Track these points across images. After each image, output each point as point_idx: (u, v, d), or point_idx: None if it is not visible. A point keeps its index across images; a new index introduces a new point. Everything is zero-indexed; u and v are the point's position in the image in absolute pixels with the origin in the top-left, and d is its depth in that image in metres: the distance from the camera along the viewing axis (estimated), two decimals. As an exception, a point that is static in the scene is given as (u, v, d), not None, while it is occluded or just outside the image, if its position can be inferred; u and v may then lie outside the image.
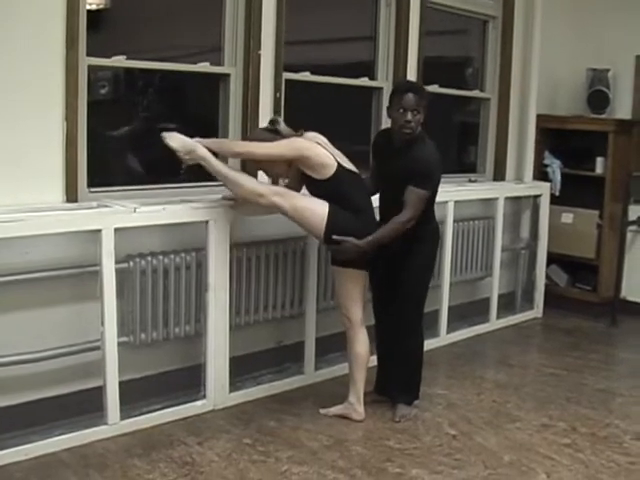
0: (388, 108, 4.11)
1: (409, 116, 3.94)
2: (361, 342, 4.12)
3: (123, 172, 4.40)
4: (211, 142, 3.94)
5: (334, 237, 3.88)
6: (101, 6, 4.23)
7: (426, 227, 4.16)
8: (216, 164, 3.90)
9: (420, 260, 4.16)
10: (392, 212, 3.96)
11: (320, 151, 3.90)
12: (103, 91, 4.22)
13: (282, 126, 4.02)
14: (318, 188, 3.94)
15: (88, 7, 3.88)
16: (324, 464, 3.63)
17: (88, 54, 3.82)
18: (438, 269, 5.27)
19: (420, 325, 4.24)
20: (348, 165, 3.99)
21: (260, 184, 3.99)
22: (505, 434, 4.04)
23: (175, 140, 3.85)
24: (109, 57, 4.00)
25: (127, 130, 4.42)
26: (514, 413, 4.32)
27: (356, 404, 4.16)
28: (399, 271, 4.15)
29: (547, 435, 4.04)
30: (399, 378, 4.28)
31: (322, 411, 4.19)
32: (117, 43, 4.23)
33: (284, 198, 3.91)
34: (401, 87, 4.10)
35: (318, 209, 3.91)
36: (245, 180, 3.94)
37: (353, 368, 4.16)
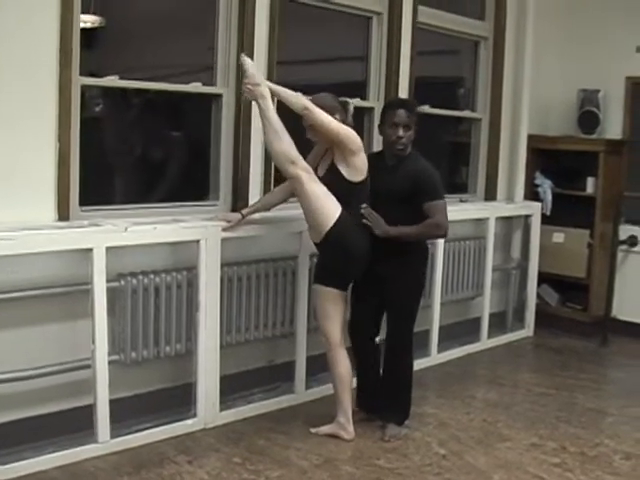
0: (380, 125, 4.17)
1: (401, 132, 4.02)
2: (342, 363, 4.13)
3: (115, 191, 4.41)
4: (276, 87, 3.93)
5: (364, 207, 3.96)
6: (96, 24, 4.27)
7: (417, 247, 4.20)
8: (272, 109, 3.88)
9: (411, 280, 4.19)
10: (393, 220, 4.01)
11: (364, 155, 3.99)
12: (97, 109, 4.26)
13: (350, 110, 4.13)
14: (341, 187, 3.93)
15: (83, 25, 3.92)
16: (313, 483, 3.64)
17: (81, 73, 3.85)
18: (429, 289, 5.31)
19: (411, 344, 4.25)
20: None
21: (296, 152, 3.92)
22: (495, 453, 4.05)
23: (252, 65, 3.88)
24: (102, 76, 4.03)
25: (119, 149, 4.45)
26: (504, 432, 4.33)
27: (345, 423, 4.17)
28: (391, 291, 4.17)
29: (537, 454, 4.05)
30: (390, 398, 4.28)
31: (313, 430, 4.19)
32: (111, 62, 4.28)
33: (309, 177, 3.90)
34: (393, 103, 4.19)
35: (332, 207, 3.92)
36: (287, 139, 3.89)
37: (338, 389, 4.17)
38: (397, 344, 4.20)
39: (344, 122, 4.00)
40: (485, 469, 3.85)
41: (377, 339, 4.38)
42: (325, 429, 4.19)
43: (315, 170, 4.03)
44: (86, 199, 4.00)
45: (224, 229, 4.13)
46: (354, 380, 4.30)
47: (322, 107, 3.92)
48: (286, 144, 3.88)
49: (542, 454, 4.05)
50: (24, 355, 3.67)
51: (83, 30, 3.93)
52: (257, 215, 4.29)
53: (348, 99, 4.20)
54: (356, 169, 3.97)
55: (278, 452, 3.95)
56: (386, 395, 4.28)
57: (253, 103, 4.00)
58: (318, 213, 3.93)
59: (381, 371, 4.34)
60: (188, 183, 4.66)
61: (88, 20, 4.25)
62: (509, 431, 4.34)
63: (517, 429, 4.38)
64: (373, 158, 4.23)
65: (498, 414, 4.60)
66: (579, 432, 4.37)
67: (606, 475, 3.84)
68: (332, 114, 3.95)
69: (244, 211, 4.24)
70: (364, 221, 3.97)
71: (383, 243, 4.03)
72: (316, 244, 4.07)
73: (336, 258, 4.02)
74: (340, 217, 3.92)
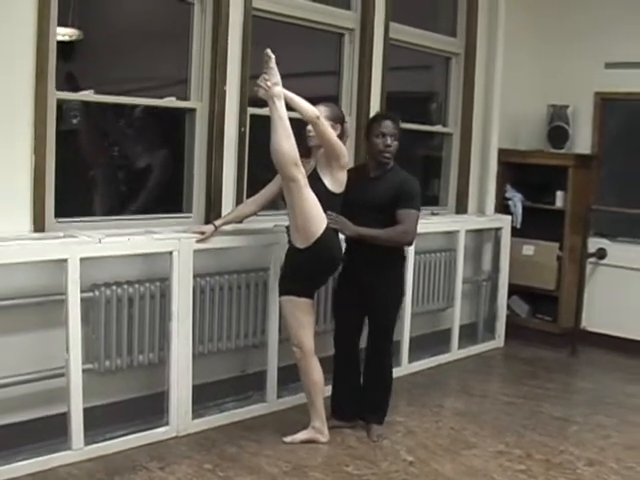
0: (366, 137, 4.37)
1: (389, 140, 4.21)
2: (316, 370, 4.23)
3: (91, 203, 4.48)
4: (289, 93, 3.97)
5: (329, 213, 4.05)
6: (73, 37, 4.34)
7: (397, 255, 4.39)
8: (284, 110, 3.92)
9: (392, 287, 4.36)
10: (361, 240, 4.14)
11: (346, 172, 4.17)
12: (73, 121, 4.33)
13: (347, 126, 4.33)
14: (321, 195, 4.03)
15: (61, 38, 4.00)
16: (282, 489, 3.72)
17: (58, 86, 3.93)
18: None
19: (391, 349, 4.44)
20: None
21: (296, 153, 3.99)
22: (461, 460, 4.14)
23: (274, 62, 3.91)
24: (80, 89, 4.12)
25: (95, 161, 4.53)
26: (471, 440, 4.42)
27: (321, 427, 4.28)
28: (373, 299, 4.31)
29: (502, 461, 4.15)
30: (373, 400, 4.44)
31: (287, 439, 4.25)
32: (88, 74, 4.36)
33: (305, 182, 3.98)
34: (379, 116, 4.43)
35: (322, 214, 4.04)
36: (293, 141, 3.94)
37: (312, 395, 4.26)
38: (379, 349, 4.36)
39: (340, 135, 4.14)
40: (451, 476, 3.94)
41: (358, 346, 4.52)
42: (300, 436, 4.27)
43: None
44: (62, 211, 4.08)
45: (198, 241, 4.21)
46: (329, 388, 4.43)
47: (326, 117, 4.06)
48: (293, 146, 3.95)
49: (508, 461, 4.15)
50: (-1, 363, 3.74)
51: (61, 43, 4.02)
52: (229, 227, 4.38)
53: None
54: (338, 182, 4.13)
55: (248, 459, 4.02)
56: (370, 397, 4.44)
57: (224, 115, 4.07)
58: (310, 218, 4.01)
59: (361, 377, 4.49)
60: (162, 195, 4.73)
61: (66, 33, 4.34)
62: (476, 439, 4.44)
63: (484, 437, 4.47)
64: (355, 171, 4.40)
65: (466, 422, 4.69)
66: (545, 440, 4.47)
67: (569, 481, 3.96)
68: (334, 125, 4.10)
69: (217, 222, 4.32)
70: (331, 224, 4.06)
71: (363, 253, 4.21)
72: (297, 250, 4.09)
73: (318, 265, 4.12)
74: (327, 225, 4.05)
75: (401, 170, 4.35)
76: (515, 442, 4.41)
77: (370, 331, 4.40)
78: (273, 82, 3.90)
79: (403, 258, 4.48)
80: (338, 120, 4.14)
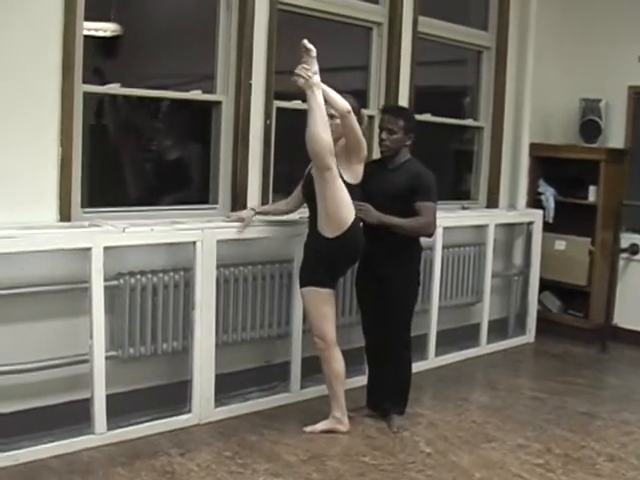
0: None
1: (384, 135, 4.29)
2: (338, 360, 4.27)
3: (118, 194, 4.57)
4: (324, 85, 3.99)
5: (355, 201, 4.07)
6: (111, 33, 4.44)
7: (414, 247, 4.43)
8: (321, 98, 3.95)
9: (407, 278, 4.39)
10: (377, 228, 4.17)
11: (363, 165, 4.22)
12: (100, 116, 4.44)
13: (364, 118, 4.38)
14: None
15: (102, 34, 4.17)
16: (298, 477, 3.77)
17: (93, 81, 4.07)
18: (427, 293, 5.44)
19: (409, 340, 4.45)
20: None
21: (332, 142, 4.01)
22: (479, 453, 4.15)
23: (315, 53, 3.94)
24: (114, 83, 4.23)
25: (125, 153, 4.62)
26: (491, 434, 4.43)
27: (342, 417, 4.33)
28: (389, 289, 4.34)
29: (521, 455, 4.15)
30: (392, 391, 4.48)
31: (307, 429, 4.31)
32: (122, 70, 4.45)
33: (337, 172, 4.02)
34: (382, 108, 4.55)
35: (351, 205, 4.09)
36: (329, 130, 3.97)
37: (334, 385, 4.31)
38: (396, 340, 4.38)
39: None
40: (468, 468, 3.96)
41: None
42: (321, 426, 4.32)
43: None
44: (91, 202, 4.19)
45: (239, 230, 4.33)
46: (350, 380, 4.50)
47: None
48: (330, 135, 3.99)
49: (526, 455, 4.15)
50: (25, 349, 3.85)
51: (102, 38, 4.21)
52: (254, 218, 4.44)
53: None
54: (355, 174, 4.17)
55: (268, 447, 4.08)
56: (389, 389, 4.49)
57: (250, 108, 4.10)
58: (343, 207, 4.06)
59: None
60: (189, 187, 4.82)
61: (106, 28, 4.44)
62: (496, 432, 4.44)
63: (505, 431, 4.47)
64: (373, 163, 4.49)
65: (488, 416, 4.69)
66: (566, 434, 4.45)
67: (588, 476, 3.93)
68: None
69: (258, 208, 4.48)
70: (357, 213, 4.10)
71: (381, 244, 4.24)
72: (326, 239, 4.11)
73: (345, 254, 4.18)
74: (355, 219, 4.11)
75: (417, 162, 4.39)
76: (536, 436, 4.40)
77: (386, 323, 4.41)
78: (313, 72, 3.93)
79: (418, 249, 4.49)
80: (354, 111, 4.16)
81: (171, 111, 4.73)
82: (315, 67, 3.94)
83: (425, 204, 4.22)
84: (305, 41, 3.94)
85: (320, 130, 3.94)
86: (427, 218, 4.23)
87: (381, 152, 4.38)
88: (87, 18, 4.03)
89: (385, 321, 4.39)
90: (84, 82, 4.03)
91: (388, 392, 4.50)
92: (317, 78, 3.95)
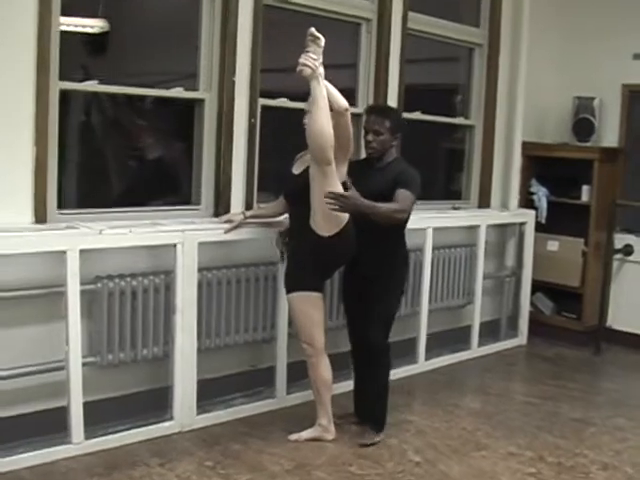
0: None
1: (370, 137, 4.15)
2: (326, 367, 4.15)
3: (97, 194, 4.45)
4: (324, 80, 3.87)
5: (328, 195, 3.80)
6: (98, 30, 4.33)
7: (398, 252, 4.28)
8: (320, 90, 3.81)
9: (391, 285, 4.24)
10: (365, 228, 4.01)
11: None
12: (78, 114, 4.31)
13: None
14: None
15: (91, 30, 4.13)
16: (282, 488, 3.66)
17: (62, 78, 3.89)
18: (417, 296, 5.34)
19: (388, 348, 4.26)
20: None
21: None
22: (469, 462, 4.03)
23: (323, 42, 3.81)
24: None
25: (99, 154, 4.49)
26: (482, 441, 4.31)
27: (328, 425, 4.20)
28: (372, 292, 4.20)
29: (512, 464, 4.03)
30: (368, 403, 4.32)
31: (292, 437, 4.19)
32: (105, 67, 4.34)
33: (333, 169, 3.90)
34: (366, 109, 4.33)
35: None
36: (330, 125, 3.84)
37: (321, 392, 4.18)
38: (373, 346, 4.22)
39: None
40: (457, 478, 3.85)
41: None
42: (306, 434, 4.20)
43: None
44: (68, 203, 4.07)
45: (226, 231, 4.22)
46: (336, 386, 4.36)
47: None
48: (330, 127, 3.83)
49: (518, 464, 4.03)
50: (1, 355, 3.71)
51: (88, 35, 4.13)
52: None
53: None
54: (339, 173, 4.00)
55: (251, 456, 3.96)
56: (367, 402, 4.33)
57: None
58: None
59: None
60: (171, 187, 4.69)
61: (95, 25, 4.32)
62: (487, 440, 4.32)
63: (496, 438, 4.35)
64: (360, 163, 4.36)
65: (479, 423, 4.58)
66: (559, 442, 4.34)
67: (581, 485, 3.83)
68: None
69: (247, 212, 4.36)
70: (330, 206, 3.83)
71: (367, 246, 4.08)
72: (320, 238, 3.96)
73: (338, 253, 4.05)
74: (349, 220, 3.99)
75: (404, 161, 4.28)
76: (528, 444, 4.28)
77: (365, 329, 4.24)
78: (319, 61, 3.79)
79: (406, 256, 4.35)
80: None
81: (153, 109, 4.61)
82: (321, 57, 3.79)
83: (403, 192, 4.01)
84: (313, 29, 3.81)
85: (325, 123, 3.80)
86: (402, 205, 4.00)
87: (368, 154, 4.23)
88: (74, 14, 3.95)
89: (364, 325, 4.23)
90: (66, 79, 3.90)
91: (365, 403, 4.35)
92: (321, 69, 3.80)
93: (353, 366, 4.49)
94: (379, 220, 3.97)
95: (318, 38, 3.80)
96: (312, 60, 3.76)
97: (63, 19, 3.88)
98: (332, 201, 3.79)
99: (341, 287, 4.55)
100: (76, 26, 4.30)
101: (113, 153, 4.58)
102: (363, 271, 4.21)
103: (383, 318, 4.23)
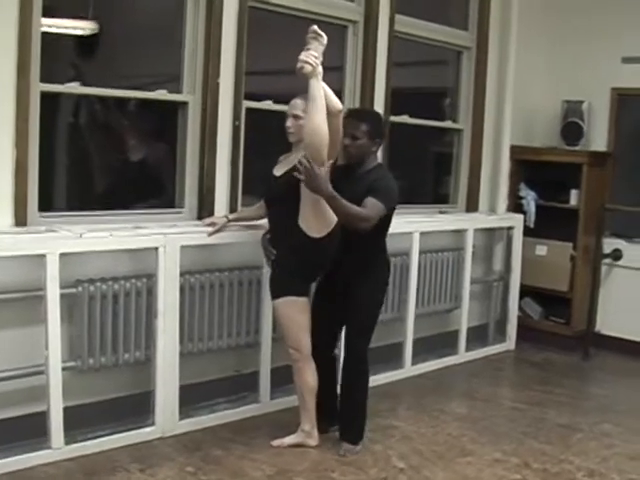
0: None
1: (346, 141, 4.00)
2: (311, 373, 4.09)
3: (79, 197, 4.41)
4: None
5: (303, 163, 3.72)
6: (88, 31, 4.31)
7: (377, 258, 4.18)
8: (319, 88, 3.73)
9: (370, 292, 4.13)
10: (345, 232, 3.95)
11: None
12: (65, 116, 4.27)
13: None
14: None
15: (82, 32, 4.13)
16: (262, 494, 3.61)
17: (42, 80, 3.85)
18: (403, 300, 5.32)
19: (366, 359, 4.16)
20: None
21: None
22: (454, 468, 3.99)
23: (325, 40, 3.78)
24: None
25: (84, 156, 4.45)
26: (468, 447, 4.27)
27: (311, 430, 4.16)
28: (350, 303, 4.12)
29: (497, 470, 3.99)
30: (345, 415, 4.22)
31: (275, 443, 4.14)
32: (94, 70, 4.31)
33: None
34: (345, 113, 4.09)
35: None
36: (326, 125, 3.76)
37: (306, 397, 4.13)
38: (352, 359, 4.14)
39: None
40: (441, 484, 3.82)
41: (335, 352, 4.37)
42: (288, 440, 4.16)
43: None
44: (50, 205, 4.03)
45: (210, 234, 4.19)
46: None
47: (304, 110, 3.91)
48: (326, 126, 3.76)
49: (503, 470, 4.00)
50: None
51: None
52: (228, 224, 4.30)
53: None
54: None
55: (233, 462, 3.92)
56: (342, 412, 4.23)
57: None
58: (315, 207, 3.87)
59: (338, 387, 4.30)
60: (155, 190, 4.65)
61: (84, 26, 4.29)
62: (473, 446, 4.29)
63: (481, 444, 4.32)
64: (342, 168, 4.18)
65: (465, 428, 4.54)
66: (545, 448, 4.30)
67: (566, 492, 3.80)
68: None
69: (230, 216, 4.32)
70: (297, 173, 3.75)
71: (347, 252, 4.00)
72: (309, 240, 3.89)
73: (326, 255, 3.98)
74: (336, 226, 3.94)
75: (384, 169, 4.21)
76: (513, 450, 4.25)
77: (345, 340, 4.20)
78: (320, 61, 3.74)
79: (385, 262, 4.26)
80: None
81: (137, 111, 4.56)
82: (320, 55, 3.75)
83: (373, 200, 3.88)
84: (315, 27, 3.77)
85: (322, 121, 3.73)
86: (368, 212, 3.85)
87: (346, 159, 4.09)
88: (64, 15, 3.96)
89: (344, 339, 4.16)
90: (55, 80, 3.89)
91: (342, 414, 4.23)
92: (320, 67, 3.75)
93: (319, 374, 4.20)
94: (339, 217, 3.86)
95: (320, 35, 3.76)
96: (313, 58, 3.72)
97: (52, 20, 3.87)
98: (302, 169, 3.71)
99: (316, 291, 4.32)
100: (66, 28, 4.29)
101: (98, 155, 4.52)
102: (342, 277, 4.10)
103: (365, 326, 4.14)
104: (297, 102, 3.96)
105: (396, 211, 4.09)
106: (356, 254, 4.05)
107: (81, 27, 4.32)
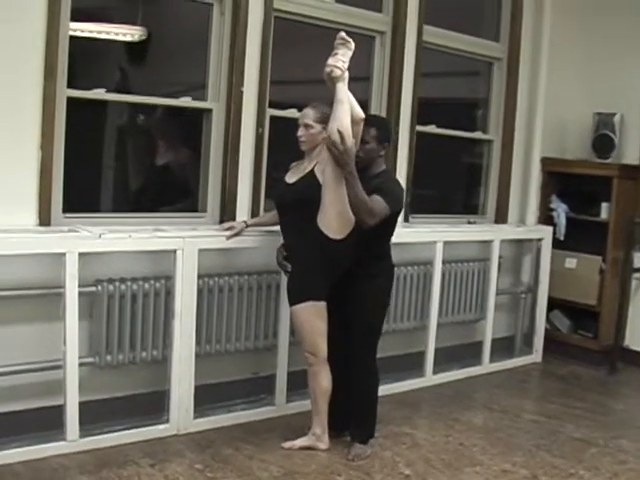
0: None
1: (358, 145, 4.04)
2: (327, 377, 4.15)
3: (105, 199, 4.55)
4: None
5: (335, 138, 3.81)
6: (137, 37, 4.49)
7: (382, 263, 4.24)
8: (346, 92, 3.88)
9: (374, 297, 4.19)
10: (359, 237, 4.01)
11: None
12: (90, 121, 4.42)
13: None
14: (319, 192, 3.96)
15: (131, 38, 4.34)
16: (266, 494, 3.69)
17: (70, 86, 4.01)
18: (426, 309, 5.36)
19: (374, 362, 4.23)
20: None
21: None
22: (460, 477, 4.00)
23: (353, 45, 3.91)
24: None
25: (110, 160, 4.59)
26: (477, 457, 4.27)
27: (322, 434, 4.21)
28: (355, 307, 4.17)
29: (504, 481, 4.01)
30: (355, 416, 4.28)
31: (286, 445, 4.21)
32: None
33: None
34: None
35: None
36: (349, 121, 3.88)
37: (319, 401, 4.19)
38: (359, 364, 4.20)
39: None
40: (445, 493, 3.84)
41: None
42: (300, 442, 4.22)
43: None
44: (74, 206, 4.16)
45: (228, 238, 4.29)
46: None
47: (315, 119, 4.02)
48: (349, 126, 3.87)
49: (510, 482, 4.01)
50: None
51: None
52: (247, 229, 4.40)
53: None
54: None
55: (242, 462, 3.99)
56: (352, 413, 4.29)
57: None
58: (334, 207, 3.94)
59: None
60: (178, 194, 4.77)
61: (133, 32, 4.46)
62: (483, 456, 4.29)
63: (492, 454, 4.31)
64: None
65: (477, 438, 4.54)
66: (556, 461, 4.28)
67: (571, 507, 3.80)
68: (324, 127, 3.98)
69: (249, 221, 4.42)
70: (328, 142, 3.85)
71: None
72: (329, 241, 3.95)
73: (345, 257, 4.03)
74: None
75: (389, 174, 4.34)
76: (524, 462, 4.23)
77: (352, 343, 4.22)
78: (345, 69, 3.86)
79: (389, 269, 4.30)
80: (326, 121, 3.99)
81: (163, 118, 4.69)
82: (346, 62, 3.87)
83: (378, 198, 3.93)
84: (343, 33, 3.90)
85: (348, 124, 3.85)
86: (374, 205, 3.90)
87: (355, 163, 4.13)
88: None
89: (347, 341, 4.18)
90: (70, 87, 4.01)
91: (353, 417, 4.29)
92: (345, 75, 3.88)
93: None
94: (350, 199, 3.88)
95: (348, 42, 3.88)
96: (342, 62, 3.85)
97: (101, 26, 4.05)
98: (336, 143, 3.80)
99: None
100: (116, 34, 4.45)
101: (124, 159, 4.67)
102: (345, 282, 4.12)
103: (366, 334, 4.19)
104: (308, 111, 4.05)
105: (423, 220, 4.12)
106: (361, 258, 4.09)
107: (130, 33, 4.48)
